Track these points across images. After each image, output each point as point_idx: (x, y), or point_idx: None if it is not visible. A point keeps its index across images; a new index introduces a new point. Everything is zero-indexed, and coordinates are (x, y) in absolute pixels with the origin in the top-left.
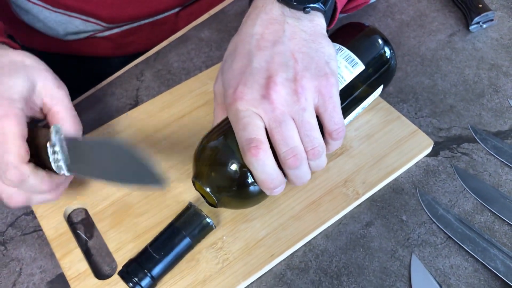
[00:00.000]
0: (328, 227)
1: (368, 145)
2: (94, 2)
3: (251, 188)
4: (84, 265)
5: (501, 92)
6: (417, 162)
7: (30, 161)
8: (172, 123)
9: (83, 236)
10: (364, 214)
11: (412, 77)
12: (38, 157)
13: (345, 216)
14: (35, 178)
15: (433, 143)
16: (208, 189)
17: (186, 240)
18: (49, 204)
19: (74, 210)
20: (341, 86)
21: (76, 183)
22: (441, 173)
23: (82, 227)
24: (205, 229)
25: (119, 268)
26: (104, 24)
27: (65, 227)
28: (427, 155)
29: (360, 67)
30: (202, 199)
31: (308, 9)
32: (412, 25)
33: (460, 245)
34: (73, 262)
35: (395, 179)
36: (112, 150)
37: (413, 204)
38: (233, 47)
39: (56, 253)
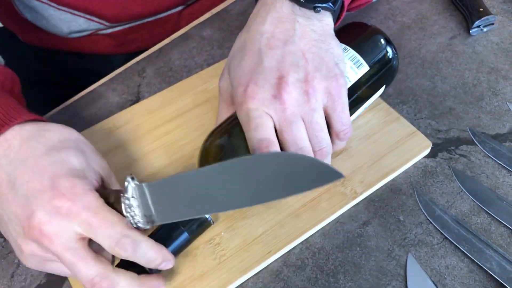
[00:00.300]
0: (326, 225)
1: (367, 145)
2: (98, 1)
3: None
4: None
5: (500, 96)
6: (415, 163)
7: None
8: (172, 120)
9: None
10: (361, 213)
11: (412, 79)
12: None
13: (342, 215)
14: (146, 242)
15: (431, 145)
16: None
17: (184, 235)
18: None
19: None
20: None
21: None
22: (439, 174)
23: None
24: (204, 225)
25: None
26: (107, 23)
27: None
28: (425, 156)
29: (365, 68)
30: None
31: (318, 9)
32: (413, 28)
33: (456, 246)
34: None
35: (393, 180)
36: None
37: (411, 204)
38: (241, 44)
39: None
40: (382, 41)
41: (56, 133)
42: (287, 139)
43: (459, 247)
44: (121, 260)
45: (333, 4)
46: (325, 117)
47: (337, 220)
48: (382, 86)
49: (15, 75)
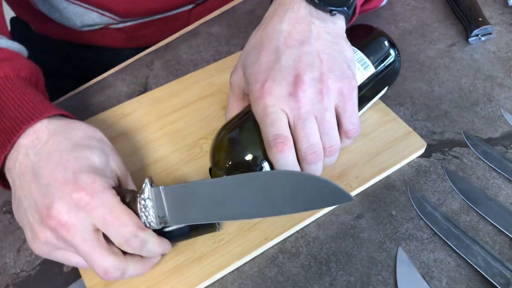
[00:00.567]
0: (321, 216)
1: (364, 142)
2: None
3: None
4: None
5: (494, 102)
6: (410, 162)
7: None
8: (178, 110)
9: None
10: (355, 207)
11: (410, 82)
12: None
13: (337, 207)
14: (153, 240)
15: (426, 145)
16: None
17: (185, 229)
18: None
19: None
20: None
21: None
22: (432, 173)
23: None
24: (208, 228)
25: None
26: (118, 18)
27: None
28: (420, 156)
29: (371, 69)
30: None
31: (334, 12)
32: (414, 34)
33: (445, 241)
34: None
35: (387, 176)
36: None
37: (403, 200)
38: (257, 41)
39: None
40: (387, 43)
41: (81, 130)
42: (300, 135)
43: (448, 242)
44: None
45: (347, 8)
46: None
47: (332, 212)
48: (385, 87)
49: (39, 69)
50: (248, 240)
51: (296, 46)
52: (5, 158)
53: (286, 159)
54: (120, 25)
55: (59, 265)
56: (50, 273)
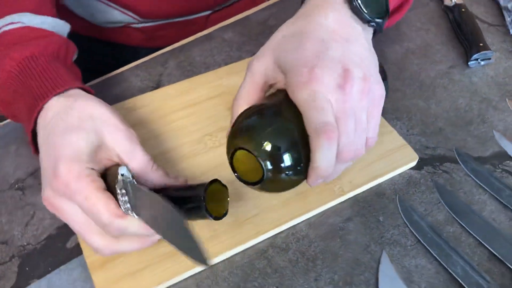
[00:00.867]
0: (312, 216)
1: None
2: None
3: (298, 169)
4: None
5: (487, 123)
6: (402, 173)
7: None
8: (186, 108)
9: None
10: (346, 210)
11: (409, 98)
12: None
13: (329, 209)
14: (133, 226)
15: (418, 158)
16: (262, 161)
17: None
18: None
19: None
20: None
21: None
22: (421, 185)
23: None
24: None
25: None
26: (140, 18)
27: None
28: (412, 168)
29: None
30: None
31: (372, 23)
32: (417, 54)
33: (427, 249)
34: None
35: (379, 184)
36: (164, 210)
37: (392, 208)
38: (296, 30)
39: None
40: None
41: (79, 110)
42: (342, 130)
43: (430, 250)
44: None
45: (381, 23)
46: None
47: (323, 213)
48: None
49: (71, 43)
50: (241, 232)
51: (342, 43)
52: (32, 133)
53: (331, 149)
54: (140, 25)
55: (63, 241)
56: (54, 247)
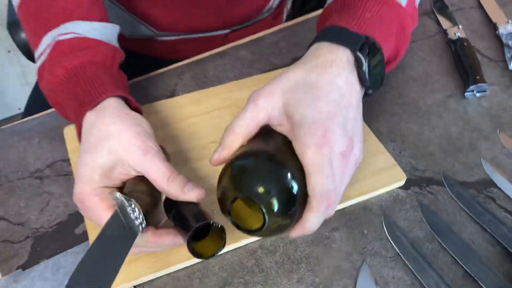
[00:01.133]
0: None
1: None
2: (160, 15)
3: (289, 222)
4: None
5: (476, 152)
6: (389, 190)
7: None
8: (196, 116)
9: None
10: (333, 221)
11: (405, 122)
12: None
13: None
14: (140, 241)
15: (406, 178)
16: (267, 214)
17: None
18: None
19: None
20: None
21: None
22: (407, 203)
23: None
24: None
25: None
26: (163, 32)
27: None
28: (399, 187)
29: None
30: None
31: (370, 92)
32: (418, 81)
33: (405, 262)
34: None
35: (367, 200)
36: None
37: (376, 222)
38: (311, 81)
39: None
40: None
41: (98, 129)
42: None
43: (407, 263)
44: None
45: (370, 94)
46: None
47: None
48: None
49: (118, 51)
50: (233, 233)
51: (347, 107)
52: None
53: (326, 213)
54: (163, 38)
55: (73, 227)
56: (64, 232)
